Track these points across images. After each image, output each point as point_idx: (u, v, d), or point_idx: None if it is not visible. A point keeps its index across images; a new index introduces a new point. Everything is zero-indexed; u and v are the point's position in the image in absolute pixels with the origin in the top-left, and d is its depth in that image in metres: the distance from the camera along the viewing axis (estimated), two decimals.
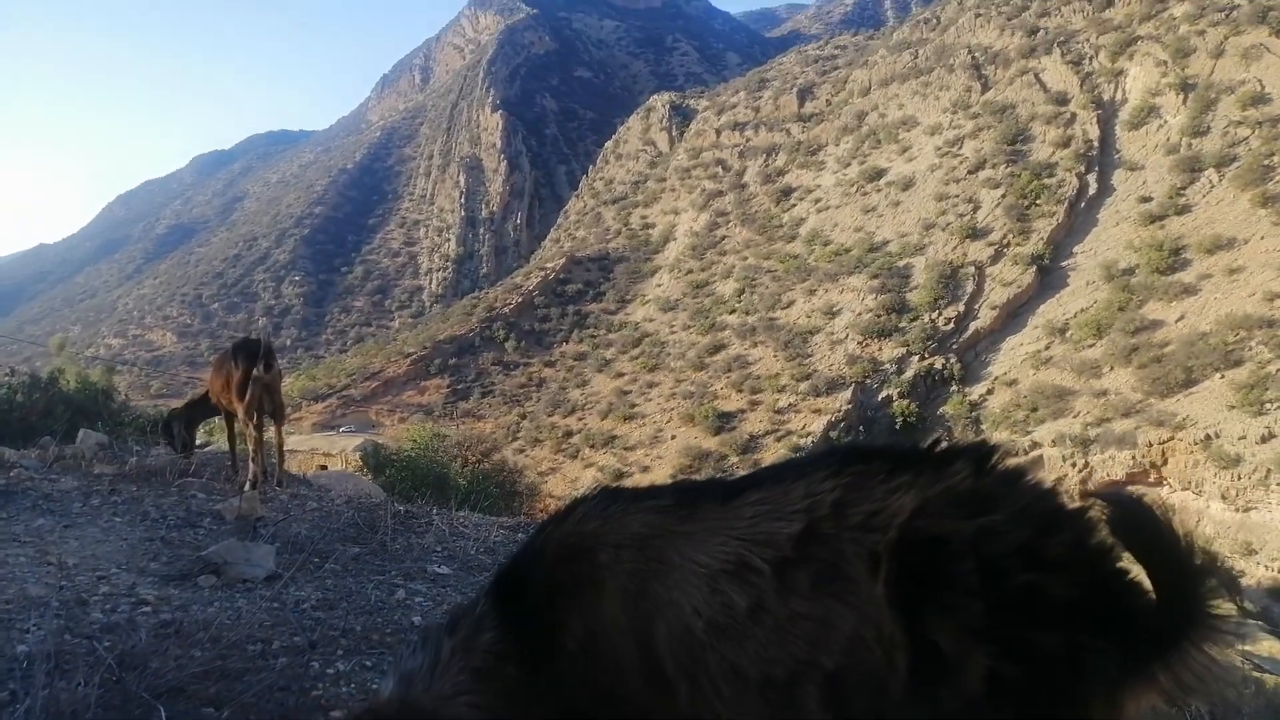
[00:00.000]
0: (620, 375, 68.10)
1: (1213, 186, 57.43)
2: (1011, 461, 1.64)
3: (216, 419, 8.93)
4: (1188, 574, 1.52)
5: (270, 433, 7.55)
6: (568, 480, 55.27)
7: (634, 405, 62.34)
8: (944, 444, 1.73)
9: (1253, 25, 65.74)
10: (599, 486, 2.18)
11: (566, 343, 77.81)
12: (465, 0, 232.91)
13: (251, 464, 6.96)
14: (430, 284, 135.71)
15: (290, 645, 3.49)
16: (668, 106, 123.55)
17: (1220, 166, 58.24)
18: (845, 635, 1.51)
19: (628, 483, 52.31)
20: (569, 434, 61.14)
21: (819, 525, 1.59)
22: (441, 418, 63.60)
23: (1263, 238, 51.21)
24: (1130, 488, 40.09)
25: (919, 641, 1.45)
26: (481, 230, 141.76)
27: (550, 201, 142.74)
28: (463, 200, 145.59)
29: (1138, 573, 1.55)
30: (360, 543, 5.44)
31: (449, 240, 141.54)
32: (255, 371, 6.98)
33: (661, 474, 52.26)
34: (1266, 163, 55.96)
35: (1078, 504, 1.59)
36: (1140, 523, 1.55)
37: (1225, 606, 1.54)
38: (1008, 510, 1.52)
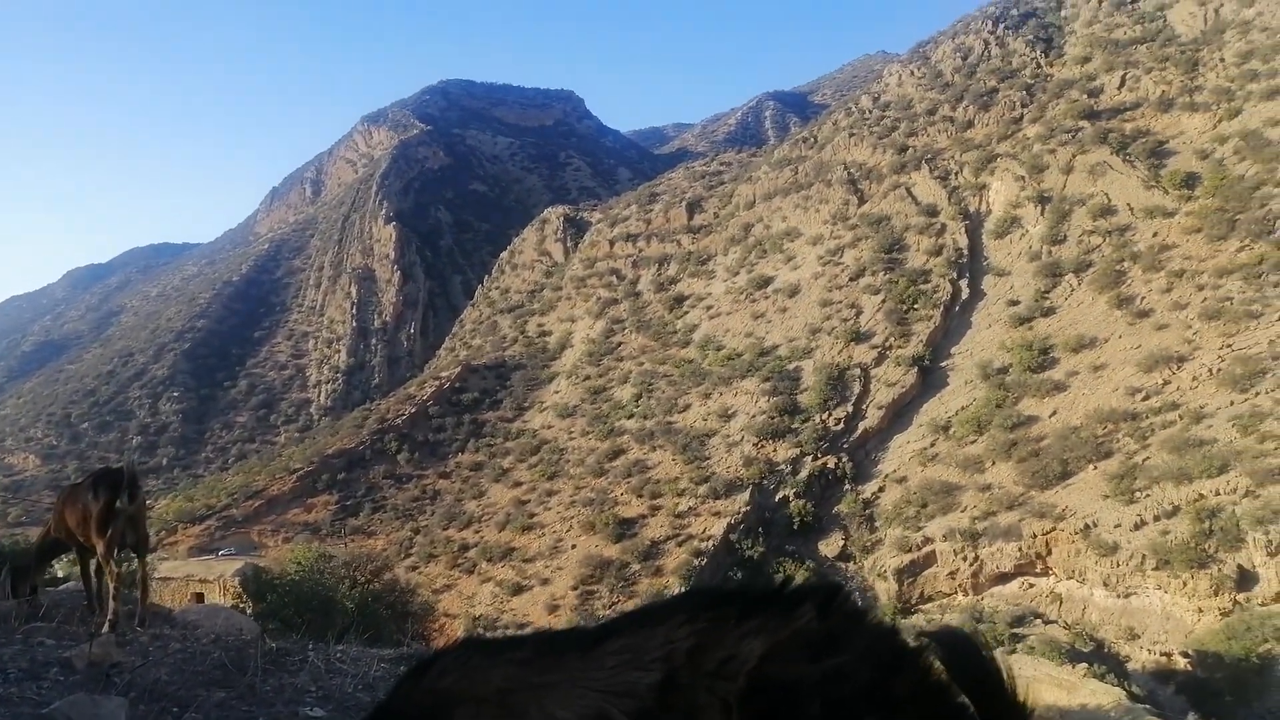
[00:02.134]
0: (518, 484, 66.99)
1: (1073, 290, 61.86)
2: (854, 601, 1.68)
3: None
4: (1015, 706, 1.57)
5: (133, 566, 7.06)
6: (464, 597, 53.35)
7: (533, 515, 61.20)
8: (792, 585, 1.76)
9: (1096, 145, 72.47)
10: (459, 638, 2.12)
11: (462, 453, 76.26)
12: (358, 116, 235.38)
13: (111, 603, 6.45)
14: (319, 397, 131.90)
15: None
16: (562, 218, 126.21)
17: (1078, 272, 62.96)
18: None
19: (527, 597, 50.88)
20: (465, 548, 59.34)
21: (677, 674, 1.58)
22: (329, 536, 60.95)
23: (1120, 336, 55.15)
24: (1019, 579, 41.37)
25: None
26: (374, 341, 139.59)
27: (445, 311, 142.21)
28: (354, 311, 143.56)
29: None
30: (227, 686, 5.06)
31: (339, 351, 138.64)
32: (119, 503, 6.55)
33: (562, 585, 51.08)
34: (1118, 268, 60.84)
35: (915, 644, 1.63)
36: (969, 660, 1.60)
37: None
38: (853, 652, 1.55)
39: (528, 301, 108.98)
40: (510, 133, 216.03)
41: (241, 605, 15.53)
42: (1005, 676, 1.62)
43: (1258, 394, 42.76)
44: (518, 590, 52.19)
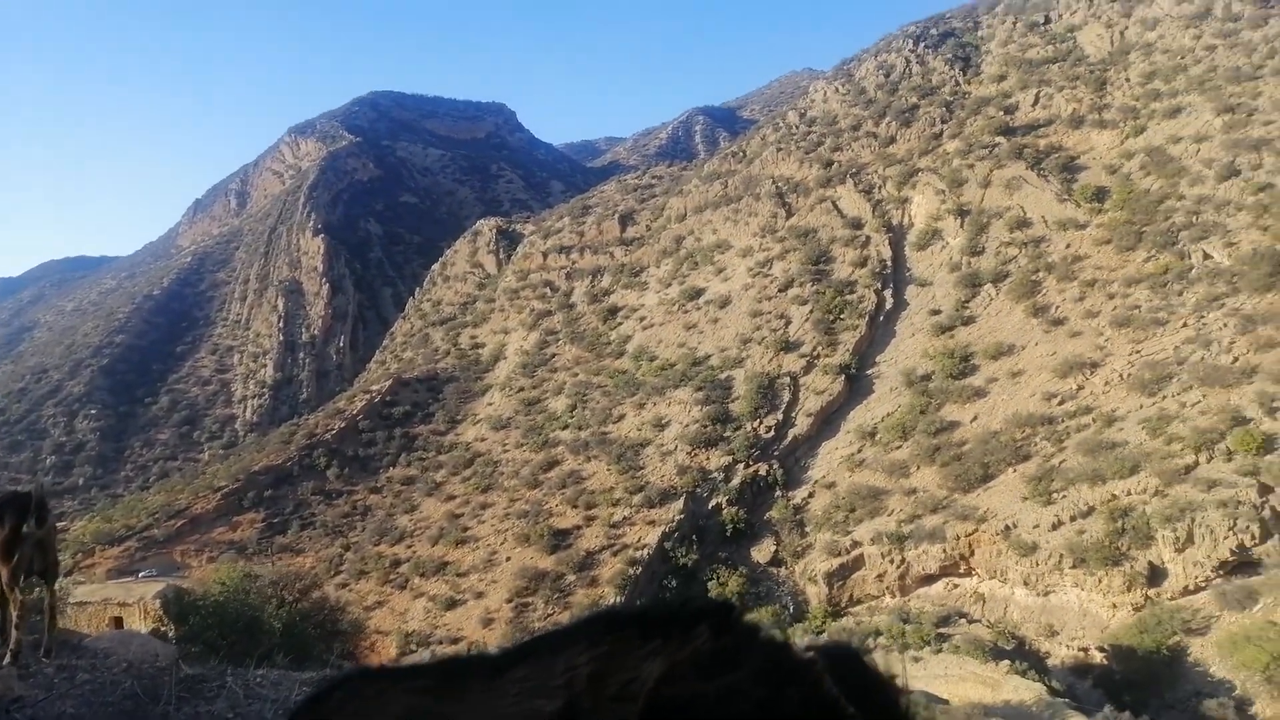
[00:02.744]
0: (452, 498, 66.25)
1: (991, 299, 63.94)
2: (749, 618, 1.79)
3: None
4: (901, 716, 1.67)
5: (40, 594, 6.90)
6: (396, 613, 52.53)
7: (466, 528, 60.58)
8: (691, 604, 1.84)
9: (1012, 160, 75.13)
10: (356, 667, 2.16)
11: (394, 467, 75.08)
12: (285, 128, 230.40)
13: (13, 633, 6.29)
14: (245, 412, 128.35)
15: None
16: (495, 230, 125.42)
17: (996, 282, 65.13)
18: None
19: (461, 611, 50.33)
20: (397, 563, 58.42)
21: (579, 700, 1.60)
22: (256, 555, 59.33)
23: (1036, 344, 57.18)
24: (944, 580, 42.48)
25: None
26: (302, 355, 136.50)
27: (375, 324, 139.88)
28: (281, 324, 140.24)
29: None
30: (138, 718, 5.03)
31: (266, 366, 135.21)
32: (26, 527, 6.41)
33: (497, 598, 50.68)
34: (1034, 278, 63.12)
35: (805, 658, 1.69)
36: (858, 673, 1.68)
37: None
38: (746, 668, 1.60)
39: (460, 313, 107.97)
40: (442, 145, 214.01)
41: (163, 629, 15.12)
42: (893, 692, 1.69)
43: (1165, 397, 44.81)
44: (451, 605, 51.59)
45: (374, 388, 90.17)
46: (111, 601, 19.26)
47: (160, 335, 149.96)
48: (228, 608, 15.87)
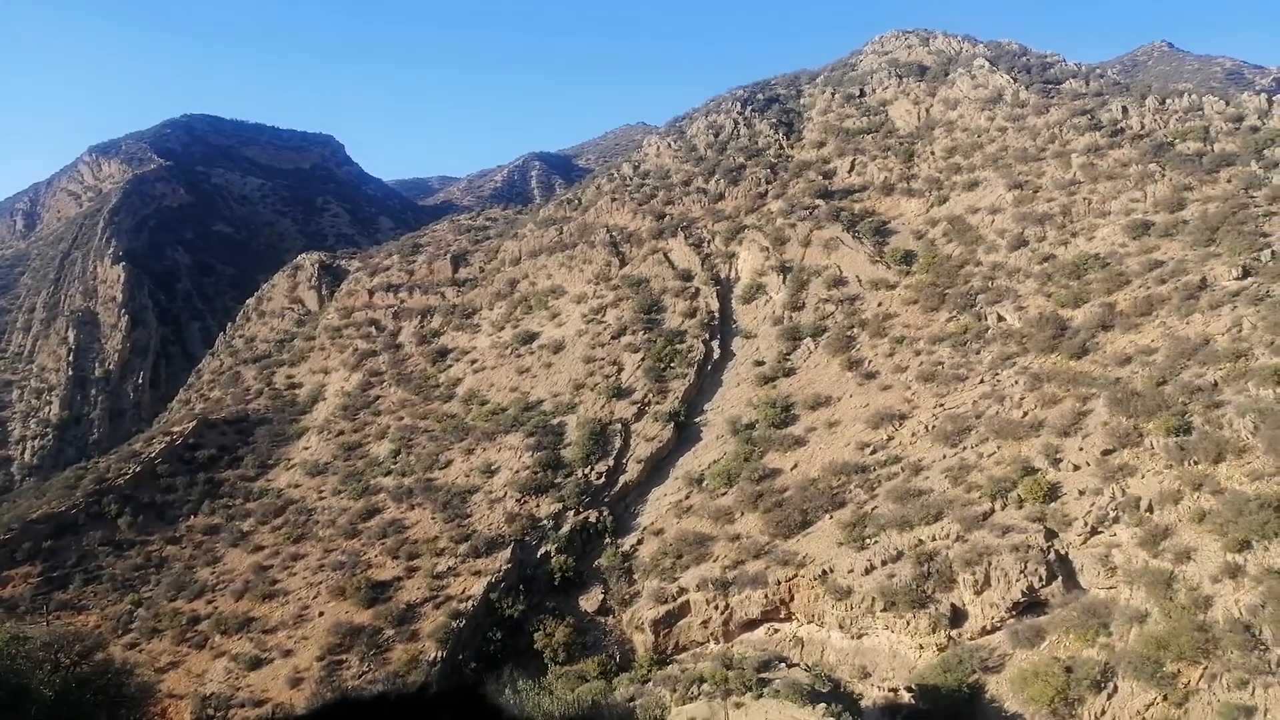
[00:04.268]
0: (260, 548, 61.78)
1: (810, 353, 67.20)
2: (495, 705, 1.63)
3: None
4: None
5: None
6: (193, 675, 48.17)
7: (275, 581, 56.58)
8: (431, 692, 1.67)
9: (830, 222, 79.96)
10: None
11: (195, 515, 69.25)
12: (85, 147, 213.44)
13: None
14: (23, 454, 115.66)
15: None
16: (317, 265, 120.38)
17: (815, 336, 68.64)
18: None
19: (267, 671, 46.73)
20: (195, 620, 53.67)
21: None
22: (28, 614, 53.12)
23: (851, 396, 60.40)
24: (766, 625, 43.45)
25: None
26: (94, 392, 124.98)
27: (180, 360, 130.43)
28: (70, 358, 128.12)
29: None
30: None
31: (51, 403, 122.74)
32: None
33: (307, 656, 47.46)
34: (849, 334, 66.94)
35: None
36: None
37: None
38: None
39: (276, 351, 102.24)
40: (262, 174, 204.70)
41: None
42: None
43: (965, 448, 48.26)
44: (256, 664, 47.82)
45: (175, 429, 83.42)
46: None
47: None
48: None
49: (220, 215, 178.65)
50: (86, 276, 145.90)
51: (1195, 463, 37.49)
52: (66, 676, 15.66)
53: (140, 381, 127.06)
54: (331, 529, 61.66)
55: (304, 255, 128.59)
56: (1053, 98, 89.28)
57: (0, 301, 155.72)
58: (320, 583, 54.72)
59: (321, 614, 51.28)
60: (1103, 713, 29.85)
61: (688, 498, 55.92)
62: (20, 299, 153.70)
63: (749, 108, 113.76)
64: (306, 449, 76.98)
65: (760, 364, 68.05)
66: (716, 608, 44.40)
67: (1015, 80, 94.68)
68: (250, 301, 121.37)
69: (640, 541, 53.33)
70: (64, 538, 65.11)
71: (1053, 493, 40.97)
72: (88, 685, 15.93)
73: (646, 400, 66.56)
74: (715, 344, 72.30)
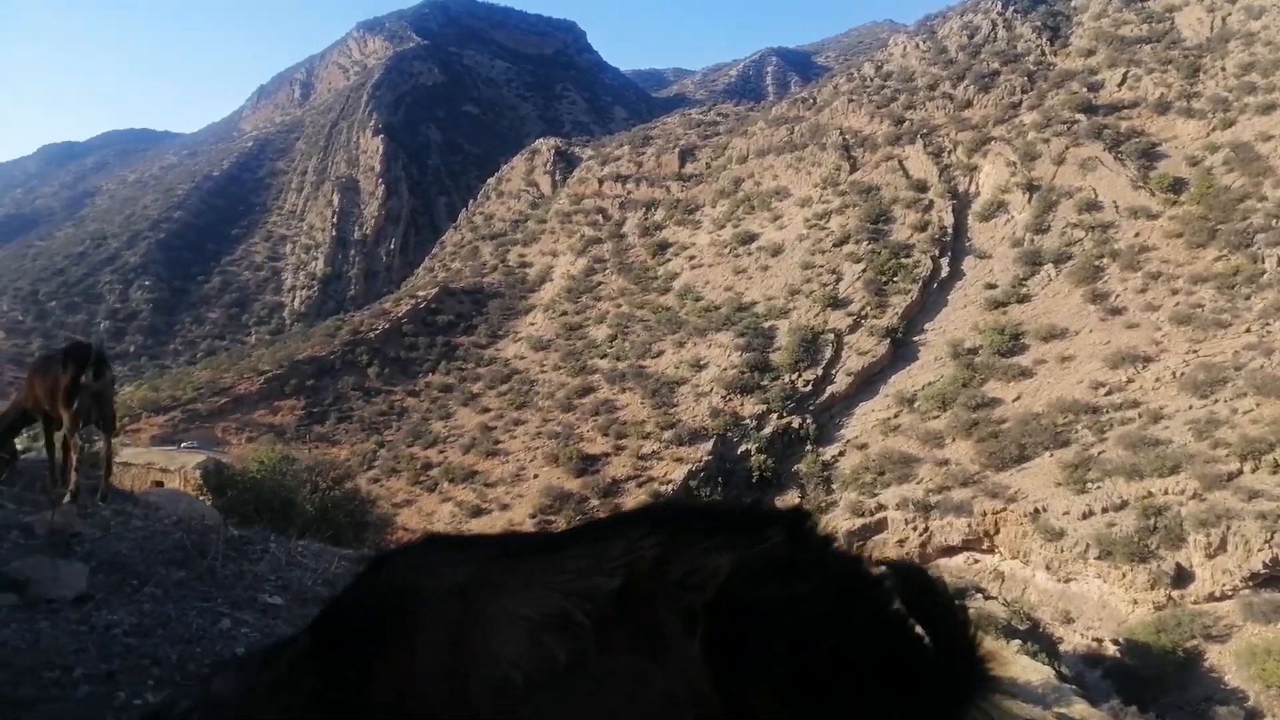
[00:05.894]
0: (486, 410, 67.08)
1: (1050, 280, 62.29)
2: (822, 529, 1.72)
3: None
4: (967, 639, 1.65)
5: (98, 444, 6.99)
6: (423, 514, 53.71)
7: (498, 442, 61.42)
8: (762, 507, 1.80)
9: (1090, 140, 72.33)
10: (425, 534, 2.17)
11: (433, 373, 76.07)
12: (353, 22, 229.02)
13: (73, 475, 6.41)
14: (293, 302, 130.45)
15: (94, 673, 3.19)
16: (553, 151, 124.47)
17: (1057, 263, 63.34)
18: (659, 692, 1.53)
19: (486, 520, 51.32)
20: (428, 466, 59.55)
21: (638, 581, 1.61)
22: (293, 440, 60.77)
23: (1091, 331, 55.81)
24: (965, 554, 42.35)
25: (730, 701, 1.49)
26: (352, 252, 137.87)
27: (427, 230, 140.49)
28: (335, 220, 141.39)
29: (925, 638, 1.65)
30: (186, 567, 5.07)
31: (317, 259, 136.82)
32: (84, 379, 6.48)
33: (521, 513, 51.56)
34: (1097, 264, 61.28)
35: (875, 574, 1.68)
36: (927, 595, 1.66)
37: (1000, 668, 1.68)
38: (816, 579, 1.59)
39: (511, 231, 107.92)
40: (508, 57, 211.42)
41: (202, 497, 15.48)
42: (961, 614, 1.69)
43: (1217, 401, 43.60)
44: (477, 513, 52.62)
45: (420, 294, 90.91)
46: (154, 466, 19.76)
47: (217, 216, 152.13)
48: (264, 485, 16.19)
49: (469, 96, 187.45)
50: (350, 146, 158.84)
51: None
52: (324, 498, 17.84)
53: (392, 247, 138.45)
54: (550, 401, 65.64)
55: (541, 140, 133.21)
56: None
57: (279, 163, 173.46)
58: (537, 448, 58.78)
59: (536, 476, 55.31)
60: None
61: (896, 416, 54.55)
62: (295, 162, 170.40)
63: (1011, 7, 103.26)
64: (533, 325, 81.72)
65: (992, 287, 63.97)
66: (915, 529, 43.62)
67: None
68: (490, 181, 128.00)
69: (842, 453, 52.95)
70: (323, 379, 73.69)
71: None
72: (340, 508, 18.19)
73: (864, 313, 64.73)
74: (944, 261, 68.53)
